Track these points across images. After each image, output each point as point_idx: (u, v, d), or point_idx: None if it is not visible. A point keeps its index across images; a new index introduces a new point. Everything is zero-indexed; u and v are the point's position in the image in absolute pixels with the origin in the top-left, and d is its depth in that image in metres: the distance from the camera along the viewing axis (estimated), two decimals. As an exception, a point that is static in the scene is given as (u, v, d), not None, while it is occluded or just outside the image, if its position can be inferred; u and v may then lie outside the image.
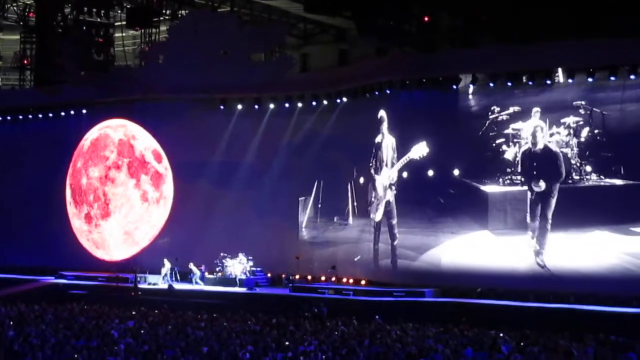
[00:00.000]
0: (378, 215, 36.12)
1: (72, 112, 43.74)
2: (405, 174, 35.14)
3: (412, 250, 34.93)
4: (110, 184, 42.45)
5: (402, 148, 35.06)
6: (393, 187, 35.62)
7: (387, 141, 35.78)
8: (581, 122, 31.87)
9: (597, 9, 30.35)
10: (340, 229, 37.85)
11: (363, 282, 35.60)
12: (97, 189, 42.78)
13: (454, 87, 33.66)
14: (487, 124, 33.48)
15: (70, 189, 43.63)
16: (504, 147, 33.24)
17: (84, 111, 43.41)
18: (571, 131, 32.07)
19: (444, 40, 34.92)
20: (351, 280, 36.02)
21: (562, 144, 32.22)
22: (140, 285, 37.52)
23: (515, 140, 33.10)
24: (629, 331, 24.09)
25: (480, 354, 20.00)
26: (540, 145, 32.49)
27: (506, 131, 33.15)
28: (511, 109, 33.07)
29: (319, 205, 38.25)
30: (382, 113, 35.82)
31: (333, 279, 36.55)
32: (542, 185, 32.18)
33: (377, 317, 28.24)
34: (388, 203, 35.75)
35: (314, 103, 38.32)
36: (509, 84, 32.64)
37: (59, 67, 42.36)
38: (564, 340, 22.07)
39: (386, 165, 35.76)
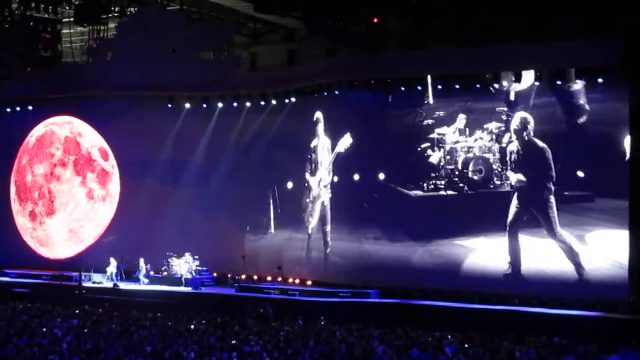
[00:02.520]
0: (313, 221, 36.26)
1: (17, 109, 43.31)
2: (335, 178, 35.32)
3: (339, 257, 35.10)
4: (56, 181, 42.09)
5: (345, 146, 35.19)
6: (328, 188, 35.78)
7: (322, 143, 35.98)
8: (502, 128, 32.22)
9: (543, 13, 30.60)
10: (290, 235, 37.65)
11: (309, 282, 35.60)
12: (42, 186, 42.40)
13: (402, 88, 33.69)
14: (412, 128, 33.72)
15: (15, 185, 43.19)
16: (429, 151, 33.41)
17: (30, 107, 42.98)
18: (493, 137, 32.40)
19: (393, 42, 35.01)
20: (297, 281, 36.01)
21: (484, 149, 32.59)
22: (85, 284, 37.22)
23: (440, 145, 33.29)
24: (571, 333, 24.36)
25: (425, 354, 20.10)
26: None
27: (431, 135, 33.33)
28: (436, 114, 33.28)
29: (261, 212, 38.33)
30: (317, 115, 36.05)
31: (279, 279, 36.53)
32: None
33: (322, 317, 28.28)
34: (323, 206, 35.85)
35: (262, 102, 38.28)
36: (456, 86, 32.66)
37: (5, 62, 41.89)
38: (507, 342, 22.27)
39: (321, 165, 36.05)
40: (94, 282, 37.91)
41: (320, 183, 35.94)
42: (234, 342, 21.51)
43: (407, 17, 34.28)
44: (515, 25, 31.49)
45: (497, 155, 32.34)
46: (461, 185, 32.89)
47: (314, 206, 36.19)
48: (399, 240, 33.74)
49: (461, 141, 33.01)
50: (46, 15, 41.75)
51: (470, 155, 32.83)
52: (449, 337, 23.55)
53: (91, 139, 41.68)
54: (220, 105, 39.24)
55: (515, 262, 31.45)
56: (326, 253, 35.63)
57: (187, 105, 39.77)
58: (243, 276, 37.10)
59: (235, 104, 38.92)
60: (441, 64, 32.95)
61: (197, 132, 39.53)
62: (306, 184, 36.61)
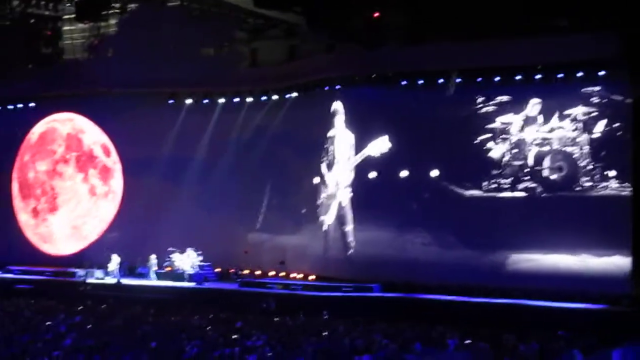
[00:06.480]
0: (328, 218, 35.60)
1: (19, 106, 43.29)
2: (372, 174, 33.83)
3: (372, 262, 33.16)
4: (58, 178, 42.10)
5: (361, 144, 34.29)
6: (349, 188, 34.87)
7: (342, 136, 35.34)
8: (595, 114, 28.39)
9: (545, 7, 30.43)
10: (296, 230, 37.26)
11: (312, 277, 35.60)
12: (45, 182, 42.42)
13: (402, 83, 33.51)
14: (468, 118, 30.70)
15: (17, 182, 43.21)
16: (490, 144, 30.20)
17: (32, 104, 42.97)
18: (579, 125, 28.46)
19: (393, 37, 34.99)
20: (300, 275, 36.02)
21: (566, 141, 28.68)
22: (88, 280, 37.26)
23: (503, 136, 29.92)
24: (575, 327, 24.34)
25: (429, 348, 20.12)
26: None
27: (492, 125, 30.36)
28: (498, 99, 30.19)
29: (264, 208, 38.06)
30: (336, 106, 35.43)
31: (282, 274, 36.55)
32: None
33: (324, 312, 28.30)
34: (341, 206, 35.10)
35: (263, 98, 38.27)
36: (457, 80, 32.19)
37: (6, 59, 41.97)
38: (509, 335, 22.25)
39: (338, 162, 35.34)
40: (96, 279, 37.93)
41: (339, 183, 35.11)
42: (236, 337, 21.54)
43: (406, 12, 34.25)
44: (512, 20, 31.31)
45: (586, 148, 28.19)
46: (532, 185, 29.26)
47: (329, 203, 35.54)
48: (451, 247, 31.04)
49: (532, 131, 29.30)
50: (47, 12, 41.88)
51: (546, 148, 29.10)
52: (452, 331, 23.56)
53: (93, 136, 41.69)
54: (221, 101, 39.26)
55: None
56: (347, 255, 34.61)
57: (189, 102, 39.78)
58: (246, 271, 37.10)
59: (236, 100, 38.92)
60: (439, 58, 32.61)
61: (198, 129, 39.49)
62: (321, 180, 35.96)
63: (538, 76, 29.82)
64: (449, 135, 31.46)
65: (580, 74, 28.89)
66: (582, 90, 28.31)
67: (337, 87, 35.16)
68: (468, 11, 31.48)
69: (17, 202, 43.20)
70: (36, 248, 42.43)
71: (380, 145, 33.24)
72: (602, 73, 28.78)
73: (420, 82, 33.10)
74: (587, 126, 28.17)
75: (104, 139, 41.45)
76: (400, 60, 33.76)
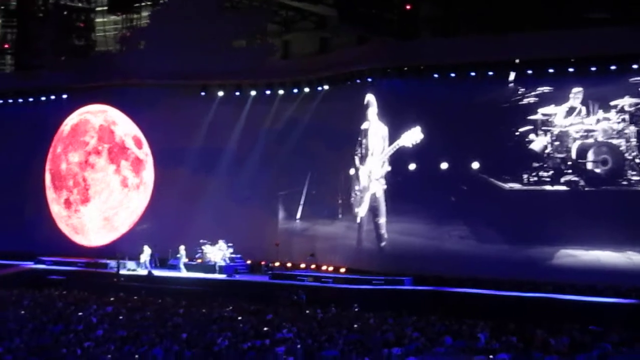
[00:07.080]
0: (362, 210, 35.37)
1: (52, 97, 43.48)
2: (412, 166, 33.27)
3: (404, 254, 32.98)
4: (90, 169, 42.27)
5: (394, 137, 33.99)
6: (382, 180, 34.58)
7: (375, 129, 35.12)
8: None
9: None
10: (329, 222, 37.13)
11: (342, 269, 35.57)
12: (77, 174, 42.60)
13: (435, 75, 33.34)
14: (508, 109, 30.12)
15: (50, 174, 43.43)
16: (531, 136, 29.59)
17: (64, 96, 43.16)
18: (626, 117, 27.65)
19: (425, 29, 34.88)
20: (330, 268, 36.00)
21: (611, 133, 27.78)
22: (120, 271, 37.43)
23: (545, 128, 29.22)
24: (606, 321, 24.20)
25: (459, 342, 20.07)
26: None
27: (533, 117, 29.77)
28: (539, 90, 29.56)
29: (303, 199, 37.93)
30: (369, 98, 35.17)
31: (312, 266, 36.55)
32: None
33: (355, 304, 28.28)
34: (374, 197, 34.83)
35: (295, 90, 38.24)
36: (490, 73, 32.05)
37: (39, 51, 42.25)
38: (540, 330, 22.17)
39: (371, 154, 35.20)
40: (128, 270, 38.09)
41: (371, 175, 34.81)
42: (267, 329, 21.58)
43: (439, 3, 34.15)
44: (544, 12, 31.06)
45: (634, 140, 27.31)
46: (575, 179, 28.58)
47: (363, 195, 35.31)
48: (488, 241, 30.49)
49: (576, 123, 28.59)
50: (80, 4, 42.15)
51: (590, 141, 28.30)
52: (483, 325, 23.49)
53: (125, 128, 41.82)
54: (253, 93, 39.26)
55: None
56: (380, 246, 34.39)
57: (220, 94, 39.83)
58: (276, 264, 37.12)
59: (268, 92, 38.91)
60: (473, 50, 32.38)
61: (230, 121, 39.52)
62: (355, 172, 35.75)
63: (582, 67, 29.26)
64: (488, 127, 31.12)
65: (627, 65, 28.28)
66: (630, 80, 27.72)
67: (369, 79, 35.05)
68: (503, 2, 31.27)
69: (50, 194, 43.41)
70: (68, 239, 42.64)
71: (413, 136, 33.04)
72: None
73: (453, 74, 32.90)
74: (635, 117, 27.55)
75: (136, 130, 41.57)
76: (433, 52, 33.57)
